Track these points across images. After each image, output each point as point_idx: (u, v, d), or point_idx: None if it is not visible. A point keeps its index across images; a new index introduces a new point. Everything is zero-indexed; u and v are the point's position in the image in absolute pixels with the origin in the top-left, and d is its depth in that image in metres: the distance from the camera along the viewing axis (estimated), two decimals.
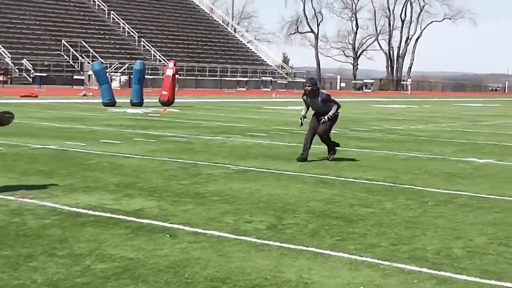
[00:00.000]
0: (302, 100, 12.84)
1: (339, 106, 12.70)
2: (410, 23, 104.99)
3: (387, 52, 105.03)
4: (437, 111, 35.78)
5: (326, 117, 12.49)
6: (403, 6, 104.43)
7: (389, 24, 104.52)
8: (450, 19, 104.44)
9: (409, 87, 79.24)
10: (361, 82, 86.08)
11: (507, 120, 28.01)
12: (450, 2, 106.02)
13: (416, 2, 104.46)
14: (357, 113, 30.63)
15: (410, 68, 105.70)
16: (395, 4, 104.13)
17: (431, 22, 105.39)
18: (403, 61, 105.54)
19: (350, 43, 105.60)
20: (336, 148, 12.96)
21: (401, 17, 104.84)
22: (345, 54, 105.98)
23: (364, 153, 14.30)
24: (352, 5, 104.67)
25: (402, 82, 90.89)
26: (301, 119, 12.85)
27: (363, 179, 10.59)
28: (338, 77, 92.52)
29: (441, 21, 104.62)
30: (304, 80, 71.19)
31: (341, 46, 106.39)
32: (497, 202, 9.04)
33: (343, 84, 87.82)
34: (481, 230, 7.35)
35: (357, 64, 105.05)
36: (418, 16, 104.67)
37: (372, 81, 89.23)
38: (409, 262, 6.02)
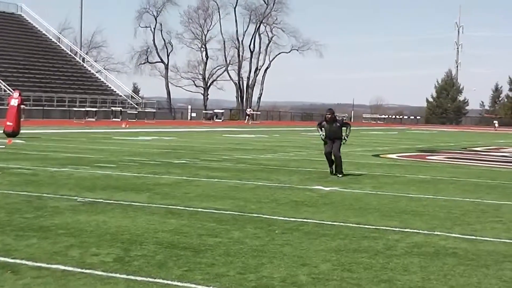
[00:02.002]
0: (319, 125, 17.01)
1: (350, 126, 17.19)
2: (259, 54, 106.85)
3: (237, 82, 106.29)
4: (285, 140, 36.47)
5: (344, 138, 16.85)
6: (252, 37, 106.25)
7: (239, 55, 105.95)
8: (297, 50, 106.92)
9: (248, 117, 79.48)
10: (211, 112, 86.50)
11: (353, 148, 28.89)
12: (297, 34, 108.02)
13: (264, 33, 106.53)
14: (208, 143, 30.80)
15: (259, 98, 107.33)
16: (244, 35, 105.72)
17: (280, 53, 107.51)
18: (252, 91, 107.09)
19: (200, 73, 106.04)
20: None
21: (250, 48, 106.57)
22: (195, 84, 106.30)
23: (213, 183, 14.38)
24: (201, 36, 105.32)
25: (252, 112, 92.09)
26: (322, 138, 16.98)
27: (212, 209, 10.64)
28: (189, 107, 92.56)
29: (289, 52, 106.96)
30: (154, 110, 70.48)
31: (192, 76, 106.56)
32: (341, 229, 9.30)
33: (194, 114, 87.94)
34: (325, 256, 7.53)
35: (208, 94, 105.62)
36: (267, 47, 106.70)
37: (223, 111, 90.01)
38: None
